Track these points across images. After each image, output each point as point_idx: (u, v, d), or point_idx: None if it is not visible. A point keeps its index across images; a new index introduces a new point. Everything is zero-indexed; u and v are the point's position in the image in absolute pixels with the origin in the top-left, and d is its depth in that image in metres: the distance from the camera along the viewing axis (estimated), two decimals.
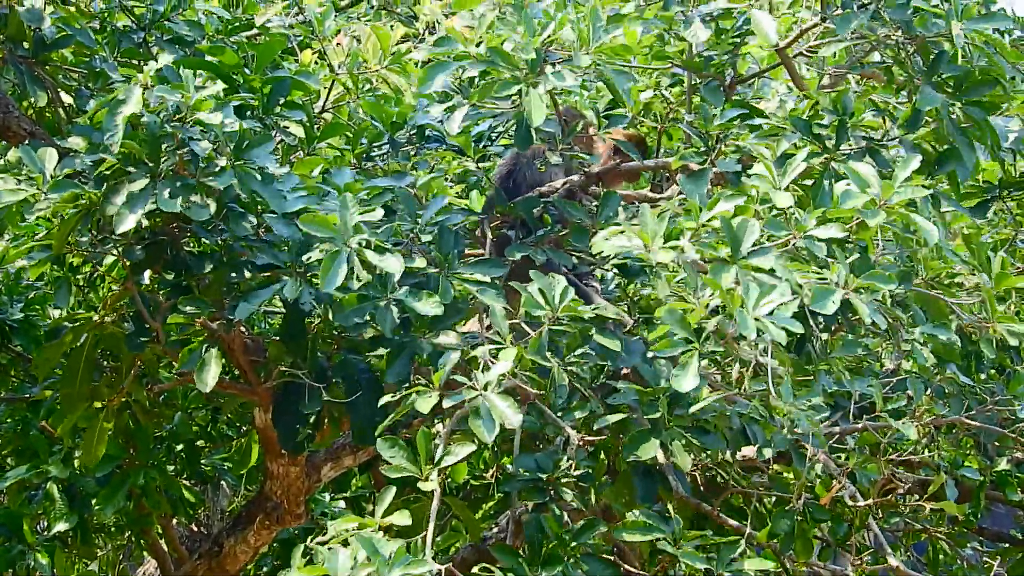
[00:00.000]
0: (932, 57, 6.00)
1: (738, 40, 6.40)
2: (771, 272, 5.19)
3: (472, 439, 5.44)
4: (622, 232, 5.43)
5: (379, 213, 5.65)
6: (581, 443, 5.72)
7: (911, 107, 6.00)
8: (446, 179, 6.97)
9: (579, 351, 5.66)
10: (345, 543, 5.09)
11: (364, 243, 5.49)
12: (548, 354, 5.53)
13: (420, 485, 5.39)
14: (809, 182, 5.91)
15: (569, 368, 5.64)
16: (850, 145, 5.95)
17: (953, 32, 5.83)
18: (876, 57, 6.38)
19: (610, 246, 5.43)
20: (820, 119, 5.99)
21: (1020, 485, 7.40)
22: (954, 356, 6.37)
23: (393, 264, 5.53)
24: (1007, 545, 8.41)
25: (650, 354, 5.50)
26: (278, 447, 6.62)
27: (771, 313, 5.06)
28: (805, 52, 6.34)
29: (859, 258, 5.53)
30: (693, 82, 6.69)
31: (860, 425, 6.27)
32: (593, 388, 5.97)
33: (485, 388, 5.39)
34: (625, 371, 6.01)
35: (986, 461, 7.08)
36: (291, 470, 6.97)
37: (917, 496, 6.94)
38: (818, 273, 5.31)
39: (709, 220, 5.41)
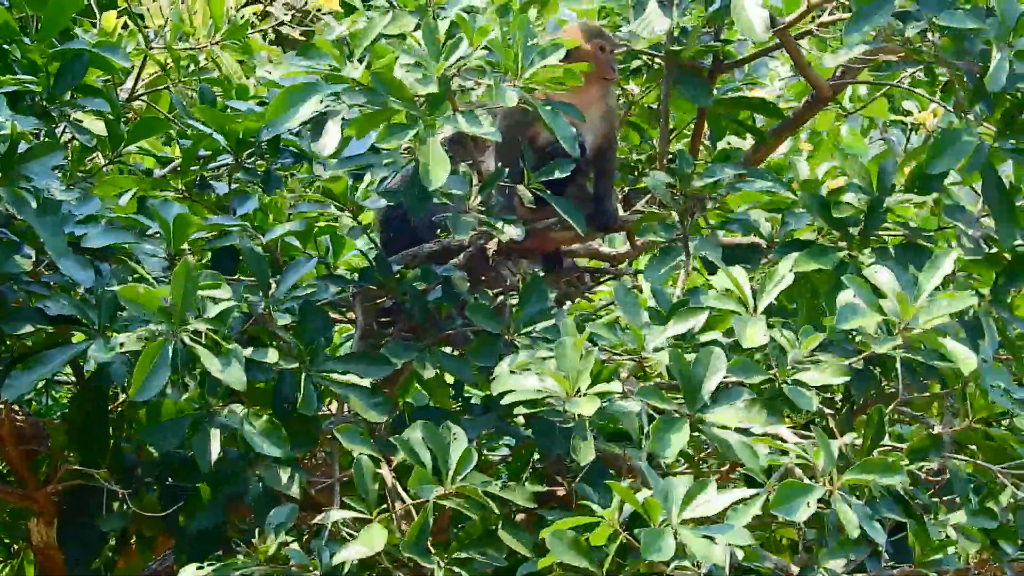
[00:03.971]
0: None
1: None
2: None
3: None
4: (530, 367, 4.04)
5: (227, 292, 4.42)
6: None
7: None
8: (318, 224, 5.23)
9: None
10: None
11: (199, 335, 4.31)
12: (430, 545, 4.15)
13: None
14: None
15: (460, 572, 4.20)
16: (881, 240, 4.64)
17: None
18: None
19: (517, 389, 4.03)
20: (840, 197, 4.66)
21: None
22: (1012, 539, 4.63)
23: (236, 376, 4.28)
24: None
25: None
26: None
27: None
28: (816, 31, 4.90)
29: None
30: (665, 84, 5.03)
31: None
32: None
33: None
34: None
35: None
36: None
37: None
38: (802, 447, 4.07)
39: (660, 346, 4.13)
